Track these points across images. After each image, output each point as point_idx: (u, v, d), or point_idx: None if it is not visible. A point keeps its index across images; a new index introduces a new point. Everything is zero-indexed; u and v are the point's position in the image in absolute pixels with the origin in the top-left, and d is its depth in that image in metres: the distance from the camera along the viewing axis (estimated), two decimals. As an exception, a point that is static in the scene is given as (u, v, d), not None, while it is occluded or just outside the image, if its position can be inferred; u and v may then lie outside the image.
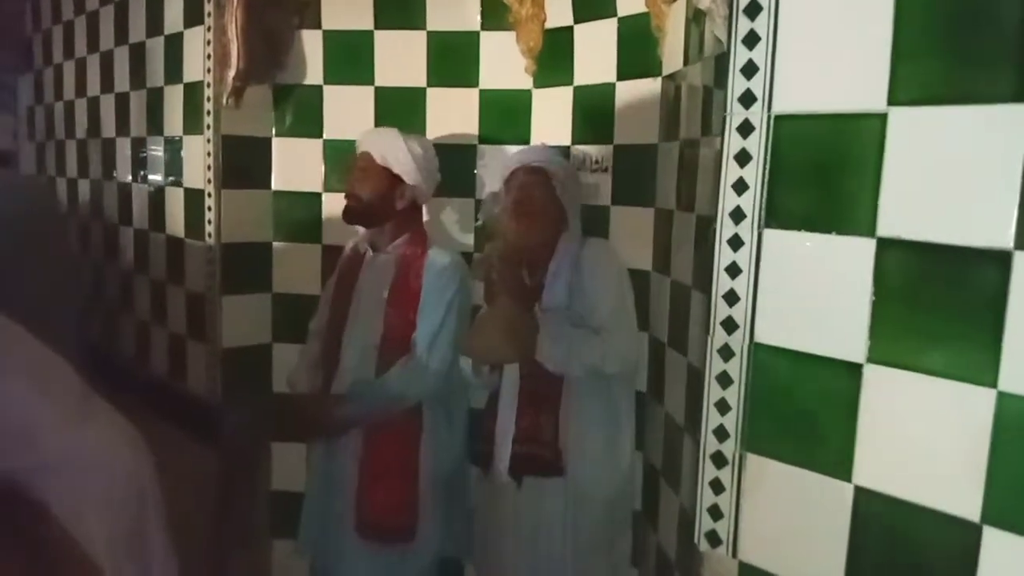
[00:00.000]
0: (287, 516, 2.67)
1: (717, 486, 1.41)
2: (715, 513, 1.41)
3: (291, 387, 2.50)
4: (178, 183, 2.88)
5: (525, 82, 2.51)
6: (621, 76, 2.29)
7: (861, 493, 1.22)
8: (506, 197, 2.22)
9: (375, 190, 2.32)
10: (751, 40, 1.32)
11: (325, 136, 2.72)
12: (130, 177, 3.24)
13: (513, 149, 2.46)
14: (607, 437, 2.16)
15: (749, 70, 1.32)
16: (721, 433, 1.40)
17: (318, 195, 2.74)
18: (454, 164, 2.43)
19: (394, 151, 2.30)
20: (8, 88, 4.30)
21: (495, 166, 2.36)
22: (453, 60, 2.58)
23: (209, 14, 2.59)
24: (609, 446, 2.16)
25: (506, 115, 2.54)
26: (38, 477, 1.84)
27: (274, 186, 2.77)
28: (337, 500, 2.34)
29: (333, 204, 2.72)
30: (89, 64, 3.52)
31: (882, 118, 1.17)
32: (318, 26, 2.68)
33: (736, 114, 1.34)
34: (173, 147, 2.90)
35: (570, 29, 2.40)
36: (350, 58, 2.67)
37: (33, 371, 1.87)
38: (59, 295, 2.93)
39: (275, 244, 2.78)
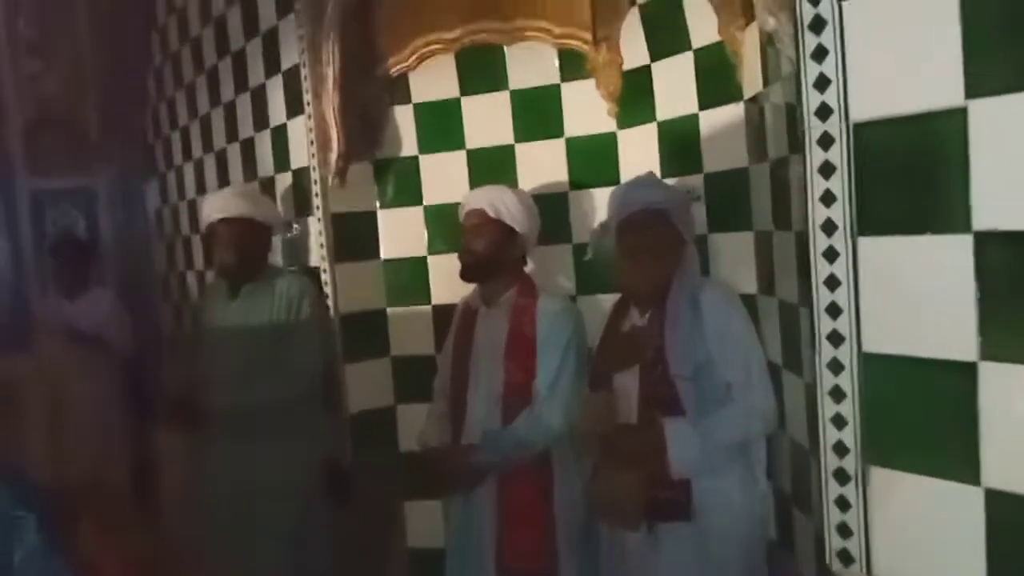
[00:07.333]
0: (426, 573, 2.74)
1: (843, 503, 1.38)
2: (844, 531, 1.38)
3: (421, 445, 2.56)
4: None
5: (609, 125, 2.55)
6: (703, 105, 2.30)
7: (993, 496, 1.17)
8: (621, 237, 2.15)
9: (491, 243, 2.37)
10: (819, 54, 1.33)
11: (425, 202, 2.84)
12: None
13: (605, 192, 2.49)
14: (739, 478, 2.05)
15: (822, 83, 1.33)
16: (840, 449, 1.38)
17: (423, 259, 2.85)
18: (548, 212, 2.49)
19: (504, 202, 2.37)
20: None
21: (614, 210, 2.22)
22: (537, 114, 2.66)
23: (308, 103, 2.78)
24: (742, 487, 2.05)
25: (594, 159, 2.59)
26: None
27: (383, 255, 2.90)
28: (478, 550, 2.37)
29: (439, 266, 2.83)
30: (206, 163, 3.81)
31: (962, 112, 1.16)
32: (408, 100, 2.82)
33: (814, 128, 1.35)
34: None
35: (648, 68, 2.43)
36: (441, 126, 2.79)
37: None
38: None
39: (389, 310, 2.90)
